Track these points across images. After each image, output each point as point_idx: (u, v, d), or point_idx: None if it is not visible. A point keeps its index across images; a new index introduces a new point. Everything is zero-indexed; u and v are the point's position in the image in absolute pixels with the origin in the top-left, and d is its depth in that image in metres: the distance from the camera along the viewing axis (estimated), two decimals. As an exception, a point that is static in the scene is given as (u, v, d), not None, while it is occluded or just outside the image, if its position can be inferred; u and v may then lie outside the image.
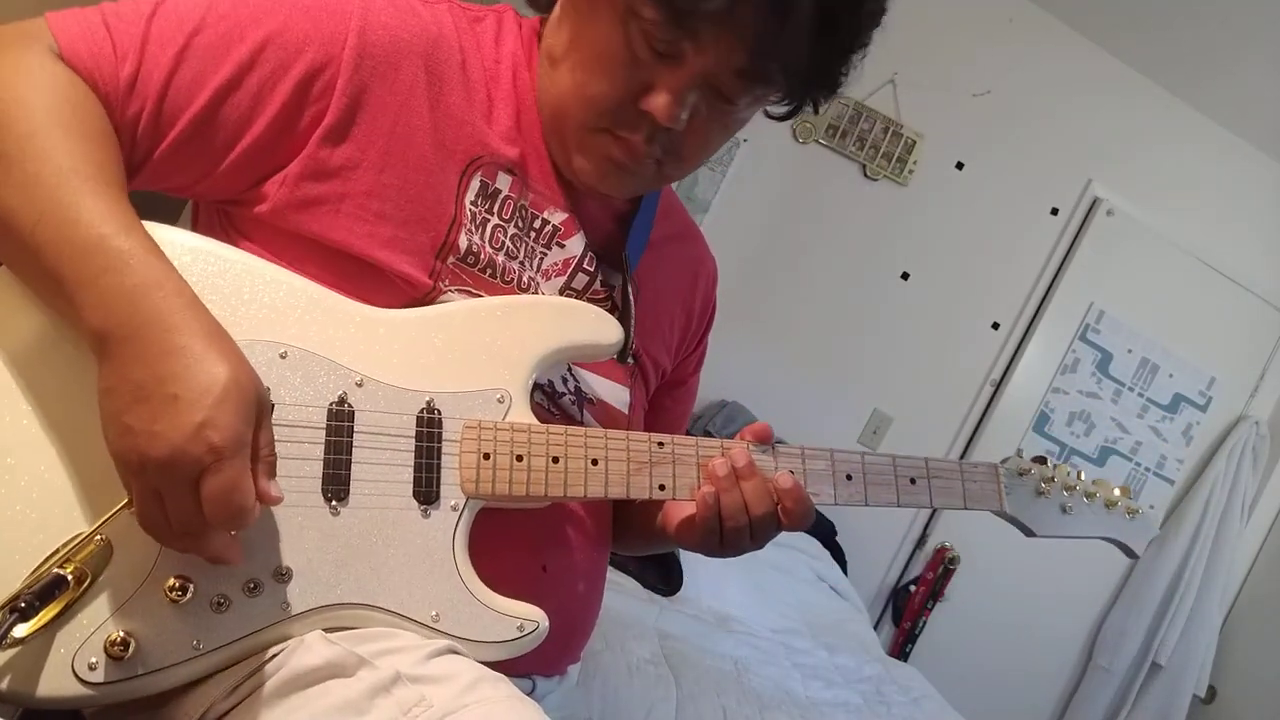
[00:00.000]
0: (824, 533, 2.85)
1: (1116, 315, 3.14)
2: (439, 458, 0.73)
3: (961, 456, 3.11)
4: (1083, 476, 0.94)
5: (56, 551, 0.61)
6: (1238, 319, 3.23)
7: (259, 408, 0.61)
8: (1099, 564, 3.20)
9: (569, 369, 0.86)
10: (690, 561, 2.11)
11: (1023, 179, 3.07)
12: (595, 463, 0.77)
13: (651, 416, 1.02)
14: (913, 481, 0.86)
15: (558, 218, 0.85)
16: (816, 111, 0.86)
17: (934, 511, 3.08)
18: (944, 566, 3.09)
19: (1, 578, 0.60)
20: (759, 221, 2.99)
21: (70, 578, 0.60)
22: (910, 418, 3.08)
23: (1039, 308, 3.12)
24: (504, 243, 0.82)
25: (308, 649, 0.66)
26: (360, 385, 0.71)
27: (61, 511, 0.63)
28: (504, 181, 0.81)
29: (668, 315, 0.99)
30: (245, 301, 0.69)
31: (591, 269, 0.87)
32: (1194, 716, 3.18)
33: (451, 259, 0.78)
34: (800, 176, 2.99)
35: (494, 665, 0.70)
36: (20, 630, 0.58)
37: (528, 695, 0.68)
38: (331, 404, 0.70)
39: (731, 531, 0.79)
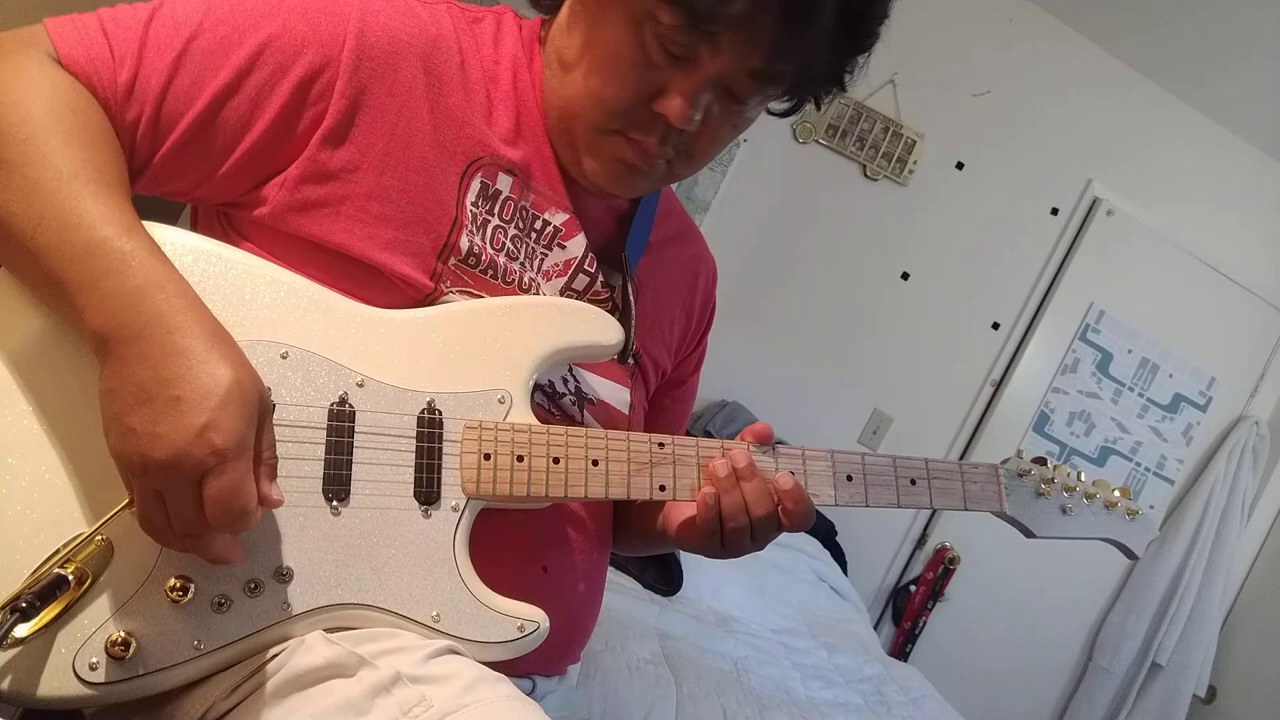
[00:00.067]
0: (824, 533, 2.85)
1: (1116, 315, 3.14)
2: (439, 458, 0.73)
3: (961, 457, 3.11)
4: (1083, 477, 0.94)
5: (57, 551, 0.61)
6: (1238, 319, 3.22)
7: (261, 409, 0.61)
8: (1099, 564, 3.20)
9: (569, 369, 0.86)
10: (690, 561, 2.12)
11: (1023, 179, 3.07)
12: (596, 463, 0.77)
13: (651, 416, 1.02)
14: (913, 482, 0.86)
15: (559, 219, 0.85)
16: (819, 108, 0.86)
17: (934, 512, 3.09)
18: (944, 566, 3.09)
19: (2, 578, 0.60)
20: (759, 221, 2.98)
21: (71, 578, 0.60)
22: (910, 418, 3.08)
23: (1039, 308, 3.12)
24: (504, 244, 0.82)
25: (308, 649, 0.66)
26: (361, 385, 0.71)
27: (62, 511, 0.63)
28: (504, 182, 0.81)
29: (668, 315, 0.99)
30: (246, 302, 0.69)
31: (592, 270, 0.87)
32: (1194, 716, 3.18)
33: (453, 260, 0.78)
34: (800, 176, 2.99)
35: (494, 665, 0.70)
36: (21, 630, 0.58)
37: (528, 695, 0.68)
38: (332, 404, 0.70)
39: (732, 532, 0.79)
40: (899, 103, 2.97)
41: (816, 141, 2.98)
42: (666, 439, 0.80)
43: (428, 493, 0.72)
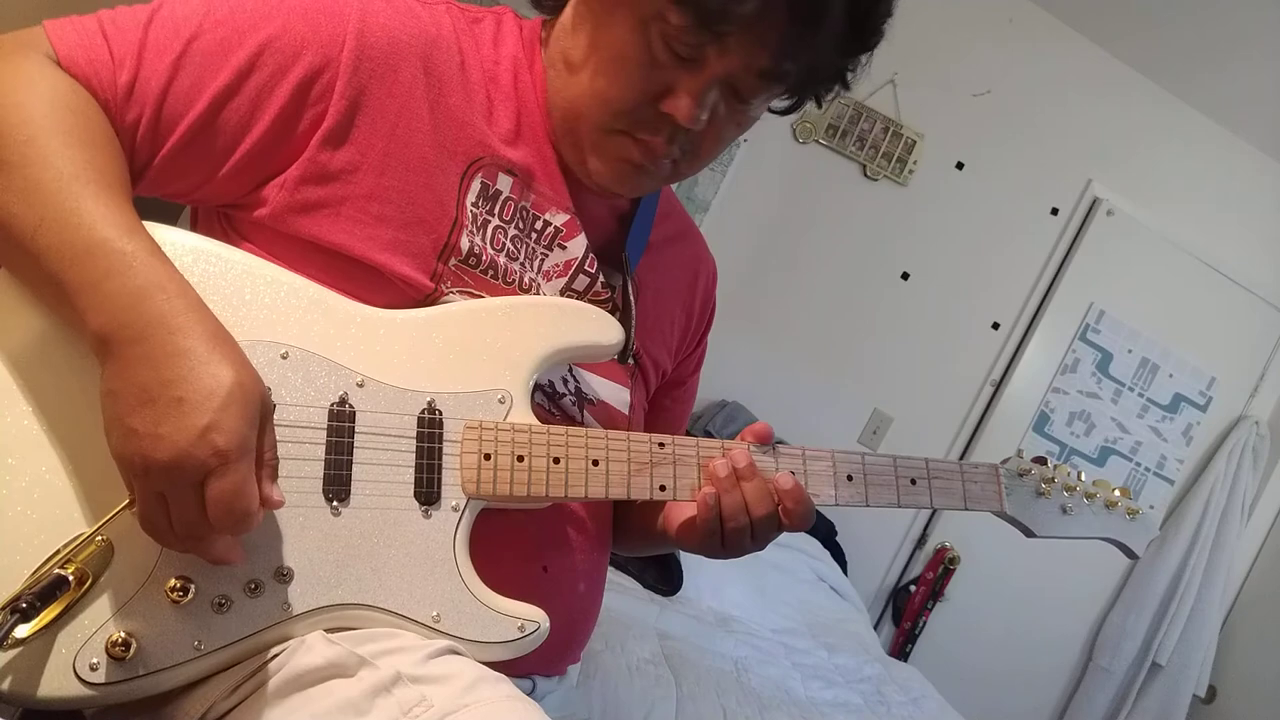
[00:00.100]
0: (824, 533, 2.85)
1: (1116, 315, 3.14)
2: (440, 458, 0.73)
3: (961, 457, 3.11)
4: (1083, 477, 0.94)
5: (58, 552, 0.61)
6: (1238, 319, 3.22)
7: (263, 410, 0.61)
8: (1099, 564, 3.20)
9: (569, 370, 0.86)
10: (690, 561, 2.12)
11: (1023, 179, 3.07)
12: (596, 463, 0.77)
13: (651, 417, 1.02)
14: (913, 482, 0.86)
15: (560, 219, 0.85)
16: (819, 105, 0.86)
17: (934, 512, 3.09)
18: (944, 566, 3.09)
19: (3, 578, 0.60)
20: (759, 221, 2.98)
21: (71, 578, 0.60)
22: (910, 418, 3.08)
23: (1039, 308, 3.12)
24: (504, 244, 0.82)
25: (309, 649, 0.67)
26: (361, 385, 0.71)
27: (62, 512, 0.63)
28: (505, 183, 0.81)
29: (668, 315, 0.99)
30: (246, 302, 0.69)
31: (593, 270, 0.87)
32: (1194, 716, 3.18)
33: (453, 261, 0.78)
34: (800, 176, 2.99)
35: (494, 665, 0.70)
36: (21, 631, 0.58)
37: (528, 695, 0.68)
38: (332, 404, 0.70)
39: (732, 532, 0.79)
40: (899, 103, 2.97)
41: (816, 141, 2.98)
42: (667, 439, 0.80)
43: (428, 493, 0.72)
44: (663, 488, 0.79)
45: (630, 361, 0.91)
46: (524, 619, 0.73)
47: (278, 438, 0.65)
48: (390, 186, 0.75)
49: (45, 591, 0.58)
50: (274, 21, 0.72)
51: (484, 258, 0.79)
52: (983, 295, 3.11)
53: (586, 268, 0.86)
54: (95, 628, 0.62)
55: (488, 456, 0.74)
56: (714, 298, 1.07)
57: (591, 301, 0.85)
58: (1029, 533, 0.91)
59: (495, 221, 0.81)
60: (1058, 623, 3.24)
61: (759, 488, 0.79)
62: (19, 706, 0.61)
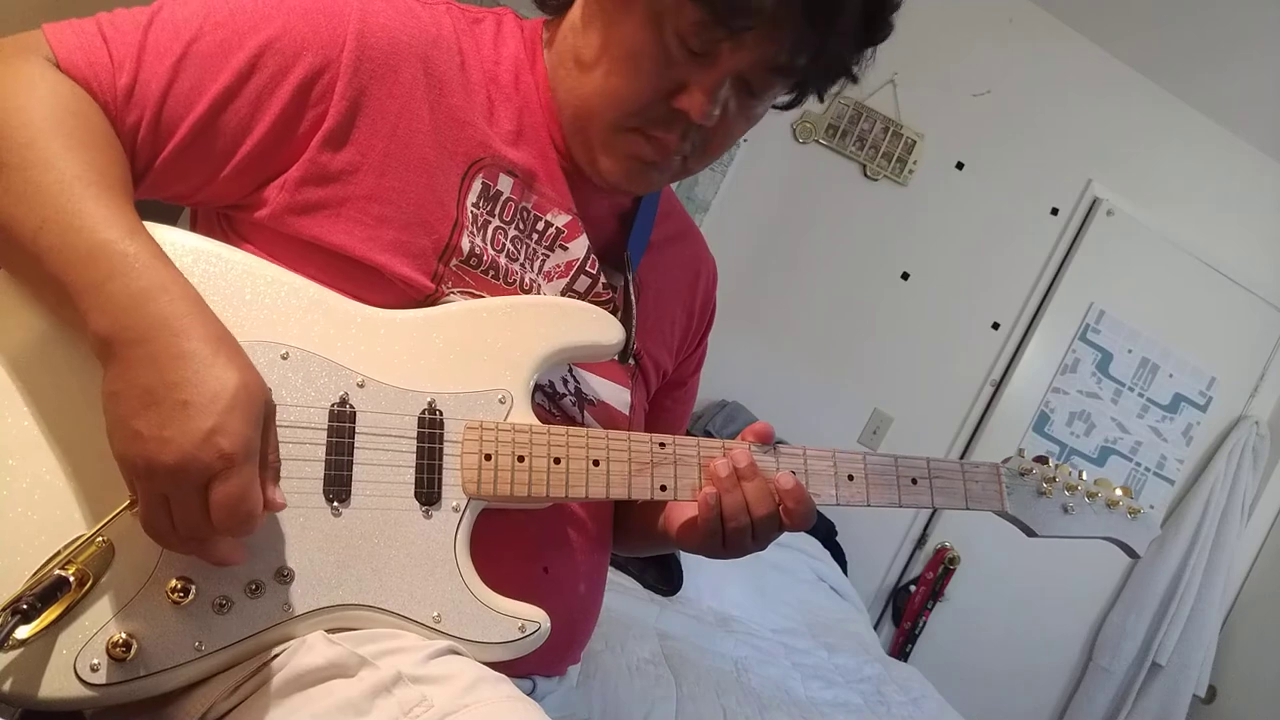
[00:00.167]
0: (824, 532, 2.85)
1: (1116, 315, 3.14)
2: (440, 458, 0.73)
3: (961, 456, 3.11)
4: (1084, 476, 0.94)
5: (58, 553, 0.61)
6: (1238, 319, 3.23)
7: (266, 413, 0.61)
8: (1099, 564, 3.20)
9: (570, 370, 0.86)
10: (690, 561, 2.12)
11: (1023, 179, 3.07)
12: (596, 463, 0.77)
13: (652, 417, 1.02)
14: (914, 482, 0.86)
15: (561, 220, 0.85)
16: (821, 100, 0.86)
17: (934, 511, 3.09)
18: (944, 566, 3.09)
19: (3, 579, 0.60)
20: (759, 221, 2.98)
21: (72, 579, 0.60)
22: (910, 418, 3.08)
23: (1039, 308, 3.12)
24: (505, 245, 0.82)
25: (309, 649, 0.67)
26: (362, 386, 0.71)
27: (63, 513, 0.63)
28: (505, 184, 0.81)
29: (668, 316, 0.99)
30: (246, 302, 0.69)
31: (594, 271, 0.86)
32: (1194, 716, 3.18)
33: (454, 261, 0.78)
34: (800, 176, 2.99)
35: (495, 666, 0.70)
36: (22, 632, 0.58)
37: (527, 695, 0.68)
38: (333, 405, 0.70)
39: (733, 532, 0.79)
40: (899, 103, 2.97)
41: (816, 141, 2.98)
42: (667, 439, 0.80)
43: (428, 493, 0.72)
44: (663, 488, 0.79)
45: (631, 362, 0.91)
46: (524, 619, 0.73)
47: (278, 438, 0.65)
48: (391, 187, 0.75)
49: (46, 592, 0.58)
50: (274, 23, 0.72)
51: (485, 258, 0.79)
52: (983, 295, 3.11)
53: (588, 268, 0.86)
54: (96, 629, 0.62)
55: (488, 457, 0.74)
56: (714, 298, 1.07)
57: (593, 302, 0.85)
58: (1030, 532, 0.91)
59: (496, 222, 0.81)
60: (1058, 623, 3.24)
61: (760, 487, 0.79)
62: (20, 707, 0.61)
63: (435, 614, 0.70)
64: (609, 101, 0.77)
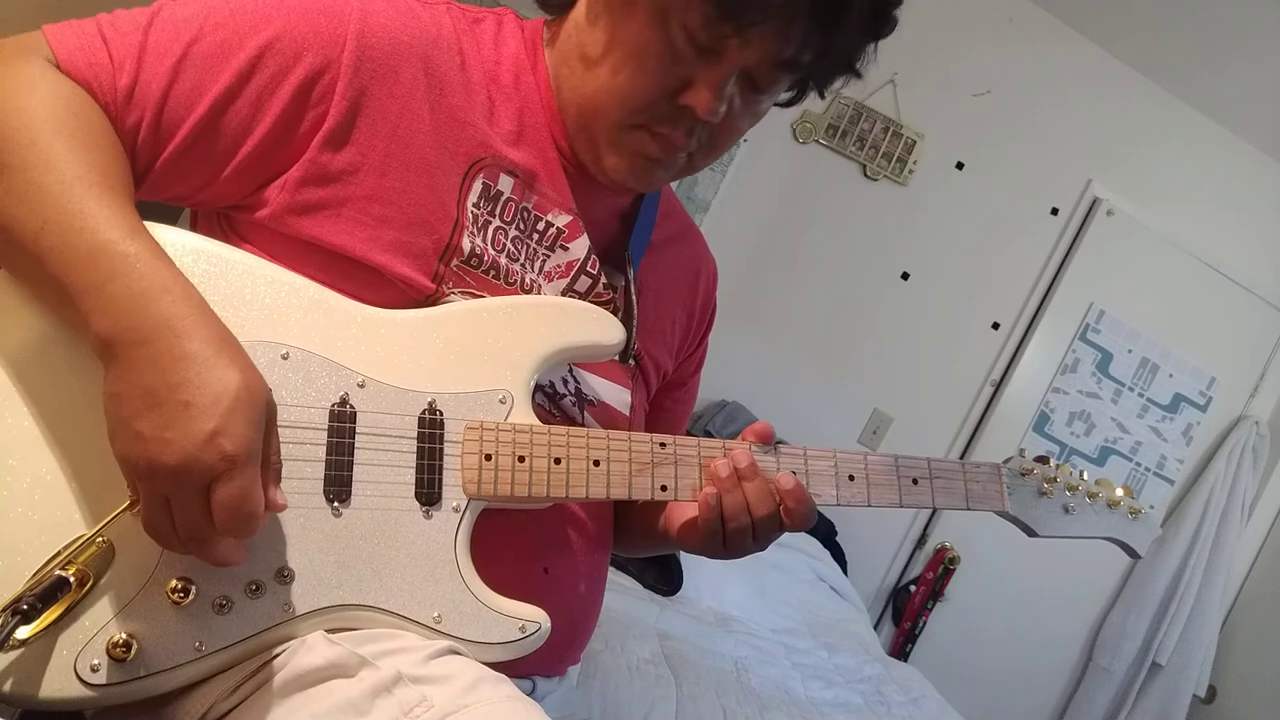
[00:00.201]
0: (824, 533, 2.85)
1: (1116, 315, 3.14)
2: (441, 459, 0.73)
3: (961, 457, 3.11)
4: (1085, 476, 0.93)
5: (58, 553, 0.61)
6: (1238, 319, 3.23)
7: (268, 414, 0.61)
8: (1099, 564, 3.20)
9: (570, 370, 0.86)
10: (690, 561, 2.11)
11: (1023, 179, 3.07)
12: (597, 464, 0.77)
13: (652, 417, 1.02)
14: (915, 482, 0.86)
15: (562, 220, 0.85)
16: (823, 96, 0.86)
17: (934, 511, 3.09)
18: (944, 566, 3.09)
19: (3, 580, 0.60)
20: (759, 221, 2.98)
21: (72, 579, 0.60)
22: (910, 418, 3.08)
23: (1039, 308, 3.12)
24: (505, 245, 0.82)
25: (309, 649, 0.66)
26: (362, 386, 0.71)
27: (63, 513, 0.63)
28: (506, 184, 0.81)
29: (669, 316, 0.99)
30: (247, 302, 0.69)
31: (594, 271, 0.86)
32: (1194, 716, 3.18)
33: (455, 261, 0.78)
34: (800, 176, 2.99)
35: (494, 666, 0.70)
36: (22, 632, 0.58)
37: (527, 695, 0.68)
38: (333, 405, 0.70)
39: (734, 533, 0.79)
40: (899, 103, 2.97)
41: (816, 141, 2.98)
42: (668, 439, 0.80)
43: (429, 493, 0.72)
44: (664, 488, 0.79)
45: (631, 362, 0.91)
46: (525, 620, 0.73)
47: (279, 439, 0.65)
48: (391, 187, 0.75)
49: (46, 593, 0.58)
50: (274, 23, 0.71)
51: (486, 258, 0.79)
52: (983, 295, 3.11)
53: (589, 269, 0.86)
54: (96, 629, 0.62)
55: (489, 457, 0.74)
56: (715, 298, 1.07)
57: (593, 302, 0.85)
58: (1031, 532, 0.91)
59: (496, 223, 0.81)
60: (1058, 623, 3.24)
61: (761, 488, 0.78)
62: (20, 707, 0.61)
63: (435, 614, 0.70)
64: (615, 99, 0.77)
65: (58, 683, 0.61)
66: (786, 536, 0.83)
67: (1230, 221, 3.20)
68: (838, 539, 2.90)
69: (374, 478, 0.70)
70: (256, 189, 0.74)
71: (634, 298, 0.89)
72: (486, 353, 0.76)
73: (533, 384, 0.77)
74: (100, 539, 0.62)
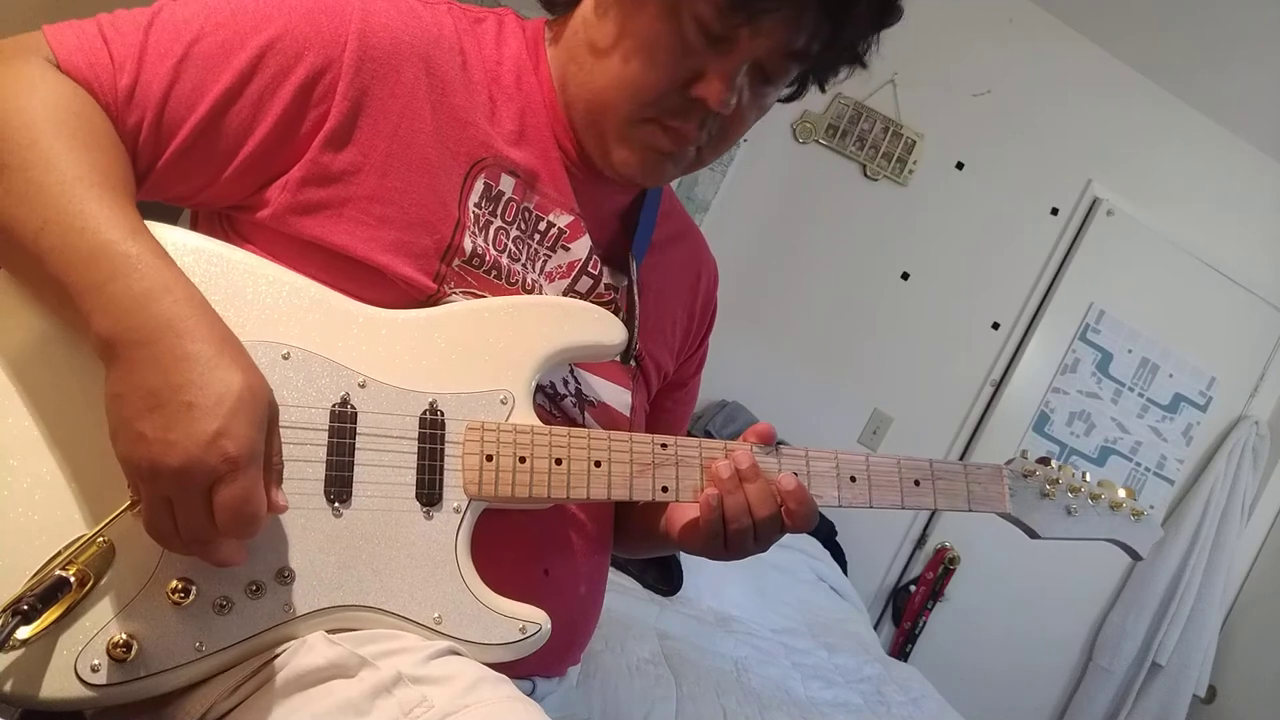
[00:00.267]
0: (824, 533, 2.85)
1: (1116, 315, 3.14)
2: (441, 459, 0.73)
3: (962, 457, 3.11)
4: (1088, 478, 0.93)
5: (59, 553, 0.61)
6: (1238, 319, 3.23)
7: (270, 415, 0.61)
8: (1099, 564, 3.20)
9: (571, 371, 0.86)
10: (690, 561, 2.11)
11: (1023, 179, 3.07)
12: (598, 464, 0.77)
13: (652, 418, 1.01)
14: (917, 483, 0.86)
15: (563, 220, 0.84)
16: (823, 90, 0.87)
17: (935, 512, 3.08)
18: (944, 566, 3.09)
19: (4, 580, 0.60)
20: (759, 221, 2.98)
21: (73, 580, 0.60)
22: (910, 418, 3.08)
23: (1039, 308, 3.12)
24: (507, 245, 0.82)
25: (310, 649, 0.66)
26: (363, 386, 0.71)
27: (64, 513, 0.63)
28: (507, 184, 0.81)
29: (670, 317, 0.99)
30: (248, 302, 0.69)
31: (595, 272, 0.86)
32: (1194, 716, 3.18)
33: (457, 261, 0.78)
34: (800, 176, 2.99)
35: (494, 667, 0.70)
36: (23, 632, 0.58)
37: (527, 696, 0.68)
38: (334, 405, 0.70)
39: (735, 534, 0.79)
40: (899, 103, 2.96)
41: (816, 141, 2.98)
42: (669, 440, 0.80)
43: (429, 494, 0.72)
44: (665, 489, 0.79)
45: (632, 363, 0.91)
46: (525, 620, 0.73)
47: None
48: (393, 187, 0.75)
49: (47, 593, 0.58)
50: (275, 23, 0.71)
51: (487, 258, 0.79)
52: (983, 295, 3.11)
53: (590, 269, 0.86)
54: (97, 629, 0.62)
55: (489, 457, 0.74)
56: (715, 299, 1.07)
57: (594, 302, 0.85)
58: (1033, 534, 0.90)
59: (497, 223, 0.81)
60: (1058, 623, 3.24)
61: (762, 489, 0.78)
62: (20, 707, 0.61)
63: (436, 615, 0.70)
64: (626, 92, 0.77)
65: (58, 683, 0.61)
66: (787, 537, 0.83)
67: (1230, 221, 3.20)
68: (838, 539, 2.90)
69: (375, 478, 0.70)
70: (258, 189, 0.74)
71: (636, 298, 0.89)
72: (488, 353, 0.76)
73: (534, 384, 0.77)
74: (101, 539, 0.62)
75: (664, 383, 1.01)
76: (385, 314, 0.74)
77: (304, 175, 0.73)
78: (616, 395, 0.90)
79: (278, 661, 0.66)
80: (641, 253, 0.92)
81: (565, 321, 0.79)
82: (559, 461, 0.76)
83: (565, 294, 0.85)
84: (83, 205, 0.60)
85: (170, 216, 0.72)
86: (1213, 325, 3.21)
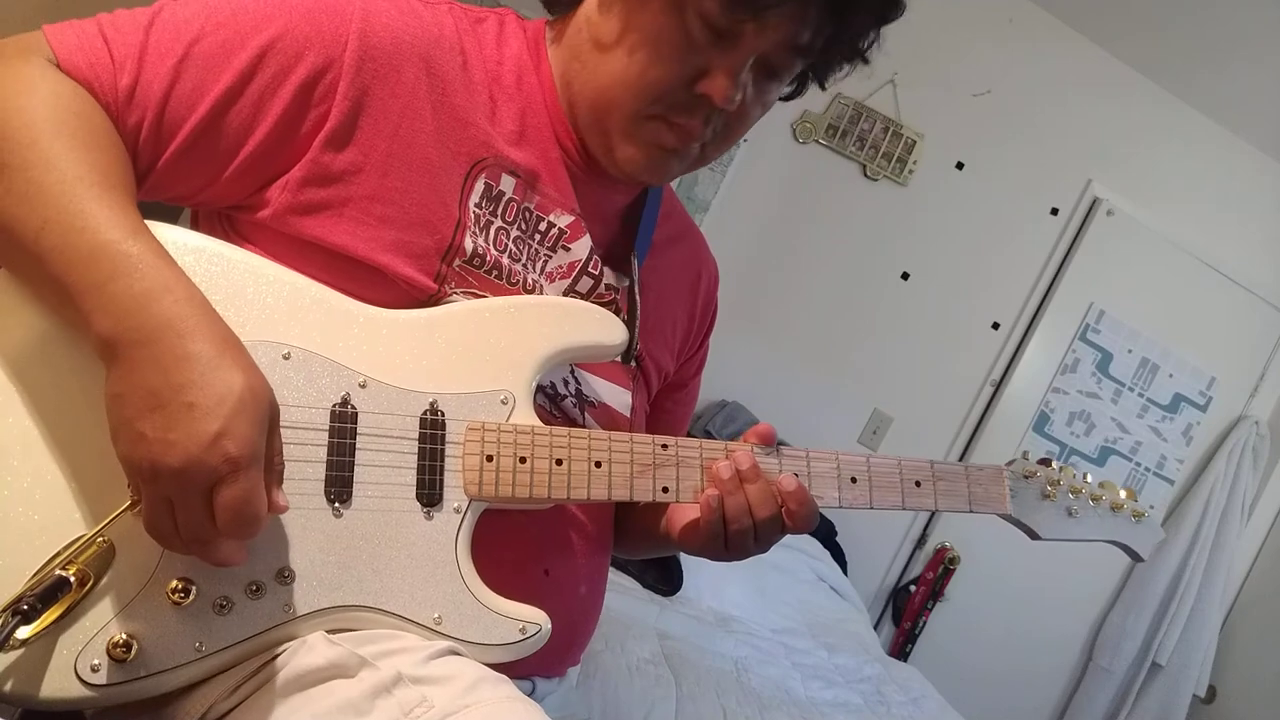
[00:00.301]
0: (824, 533, 2.85)
1: (1116, 315, 3.14)
2: (442, 459, 0.73)
3: (962, 457, 3.11)
4: (1089, 479, 0.93)
5: (59, 553, 0.61)
6: (1238, 319, 3.22)
7: (271, 415, 0.61)
8: (1099, 564, 3.20)
9: (571, 371, 0.85)
10: (690, 562, 2.11)
11: (1023, 179, 3.07)
12: (599, 465, 0.77)
13: (653, 419, 1.01)
14: (918, 484, 0.86)
15: (564, 220, 0.84)
16: (824, 88, 0.86)
17: (935, 512, 3.08)
18: (944, 566, 3.09)
19: (4, 579, 0.60)
20: (759, 221, 2.98)
21: (73, 579, 0.60)
22: (910, 418, 3.08)
23: (1039, 308, 3.12)
24: (507, 245, 0.81)
25: (310, 649, 0.66)
26: (363, 386, 0.71)
27: (64, 513, 0.63)
28: (508, 184, 0.81)
29: (670, 317, 0.99)
30: (248, 301, 0.69)
31: (596, 272, 0.86)
32: (1194, 716, 3.18)
33: (457, 261, 0.78)
34: (800, 176, 2.99)
35: (494, 667, 0.70)
36: (23, 632, 0.58)
37: (527, 696, 0.68)
38: (335, 405, 0.70)
39: (736, 535, 0.79)
40: (899, 103, 2.96)
41: (816, 141, 2.98)
42: (670, 440, 0.80)
43: (430, 494, 0.72)
44: (665, 489, 0.79)
45: (632, 363, 0.91)
46: (525, 621, 0.73)
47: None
48: (393, 187, 0.75)
49: (47, 593, 0.58)
50: (276, 23, 0.71)
51: (488, 259, 0.79)
52: (983, 295, 3.11)
53: (590, 269, 0.86)
54: (97, 629, 0.62)
55: (490, 458, 0.74)
56: (715, 300, 1.07)
57: (595, 303, 0.85)
58: (1033, 535, 0.90)
59: (498, 223, 0.81)
60: (1058, 623, 3.24)
61: (762, 490, 0.78)
62: (20, 707, 0.61)
63: (436, 615, 0.70)
64: (630, 89, 0.77)
65: (58, 683, 0.61)
66: (787, 537, 0.83)
67: (1230, 221, 3.20)
68: (838, 539, 2.90)
69: (375, 478, 0.70)
70: (258, 189, 0.74)
71: (637, 298, 0.89)
72: (488, 353, 0.76)
73: (534, 384, 0.77)
74: (101, 539, 0.62)
75: (664, 383, 1.01)
76: (386, 314, 0.74)
77: (304, 175, 0.73)
78: (617, 396, 0.90)
79: (278, 661, 0.66)
80: (643, 253, 0.92)
81: (566, 322, 0.79)
82: (559, 462, 0.76)
83: (566, 294, 0.85)
84: (83, 205, 0.60)
85: (170, 216, 0.72)
86: (1213, 325, 3.21)
